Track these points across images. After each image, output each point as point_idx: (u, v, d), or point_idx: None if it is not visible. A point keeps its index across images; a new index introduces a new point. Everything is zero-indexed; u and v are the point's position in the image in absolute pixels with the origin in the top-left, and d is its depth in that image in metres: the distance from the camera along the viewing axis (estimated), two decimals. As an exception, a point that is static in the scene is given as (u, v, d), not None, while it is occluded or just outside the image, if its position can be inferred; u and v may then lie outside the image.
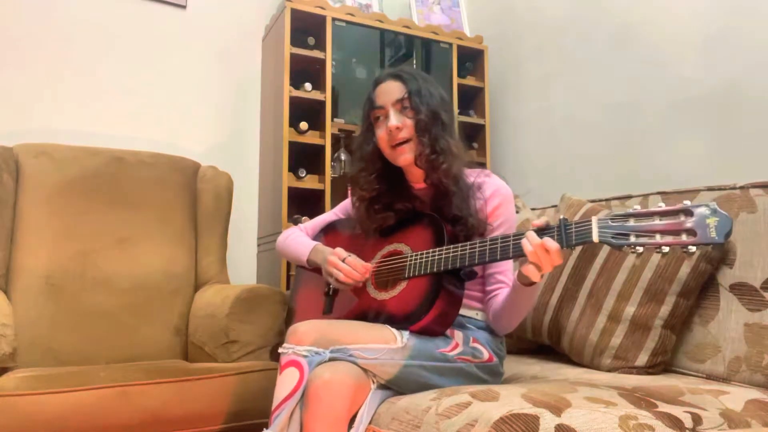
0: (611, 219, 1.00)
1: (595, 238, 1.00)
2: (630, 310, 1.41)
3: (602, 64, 2.21)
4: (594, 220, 1.01)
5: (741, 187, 1.39)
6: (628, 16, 2.11)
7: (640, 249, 0.96)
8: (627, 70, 2.11)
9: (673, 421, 0.93)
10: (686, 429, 0.93)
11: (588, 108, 2.26)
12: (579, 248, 1.60)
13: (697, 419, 0.96)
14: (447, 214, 1.29)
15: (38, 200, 1.85)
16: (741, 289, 1.33)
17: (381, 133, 1.33)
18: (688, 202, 0.94)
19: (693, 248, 0.91)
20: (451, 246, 1.20)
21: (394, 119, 1.31)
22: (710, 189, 1.45)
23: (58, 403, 1.33)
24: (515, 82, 2.65)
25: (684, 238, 0.92)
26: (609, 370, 1.41)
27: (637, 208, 0.99)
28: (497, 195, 1.33)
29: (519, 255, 1.10)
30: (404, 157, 1.32)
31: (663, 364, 1.39)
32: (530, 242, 1.07)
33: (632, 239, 0.96)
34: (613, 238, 0.98)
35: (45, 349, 1.73)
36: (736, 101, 1.76)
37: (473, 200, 1.31)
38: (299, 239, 1.52)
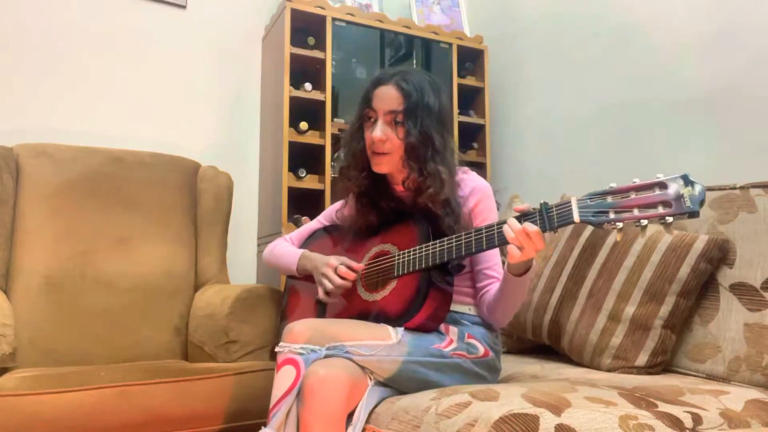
0: (590, 198, 1.01)
1: (576, 218, 1.02)
2: (630, 310, 1.41)
3: (602, 64, 2.21)
4: (573, 200, 1.02)
5: (741, 187, 1.39)
6: (628, 16, 2.11)
7: (620, 225, 0.98)
8: (627, 70, 2.11)
9: (673, 421, 0.93)
10: (686, 429, 0.93)
11: (588, 108, 2.26)
12: (579, 248, 1.60)
13: (697, 419, 0.96)
14: (436, 231, 1.27)
15: (38, 200, 1.85)
16: (741, 289, 1.33)
17: (367, 136, 1.33)
18: (661, 176, 0.95)
19: (670, 219, 0.93)
20: (437, 241, 1.21)
21: (379, 130, 1.29)
22: (710, 189, 1.45)
23: (58, 403, 1.33)
24: (515, 82, 2.65)
25: (660, 210, 0.93)
26: (609, 370, 1.41)
27: (614, 185, 1.00)
28: (476, 192, 1.34)
29: (504, 242, 1.11)
30: (379, 167, 1.33)
31: (663, 364, 1.39)
32: (511, 228, 1.08)
33: (612, 216, 0.98)
34: (593, 216, 1.00)
35: (45, 349, 1.73)
36: (736, 101, 1.76)
37: (464, 214, 1.30)
38: (286, 249, 1.53)
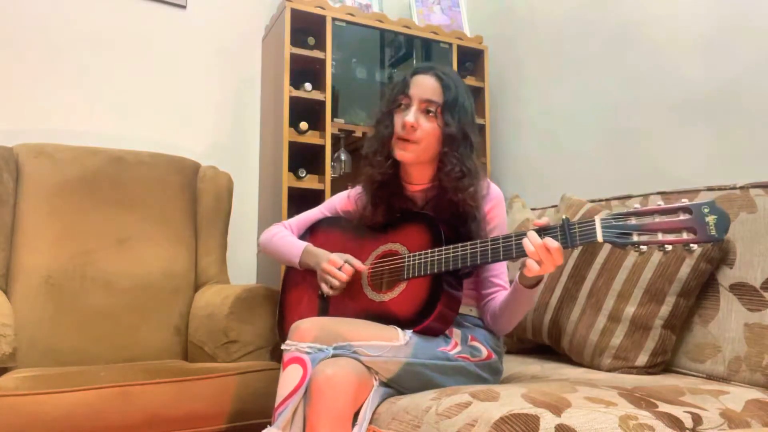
0: (614, 219, 1.00)
1: (600, 237, 1.01)
2: (630, 310, 1.41)
3: (602, 64, 2.21)
4: (597, 219, 1.02)
5: (741, 187, 1.39)
6: (628, 16, 2.11)
7: (644, 248, 0.97)
8: (627, 70, 2.11)
9: (673, 421, 0.93)
10: (686, 429, 0.93)
11: (588, 108, 2.26)
12: (579, 248, 1.60)
13: (697, 419, 0.96)
14: (463, 235, 1.27)
15: (38, 200, 1.85)
16: (741, 289, 1.33)
17: (397, 120, 1.32)
18: (686, 201, 0.95)
19: (694, 246, 0.92)
20: (451, 246, 1.20)
21: (412, 115, 1.28)
22: (710, 189, 1.45)
23: (58, 403, 1.33)
24: (515, 82, 2.65)
25: (685, 236, 0.93)
26: (609, 370, 1.41)
27: (638, 206, 0.99)
28: (491, 199, 1.33)
29: (521, 255, 1.10)
30: (401, 154, 1.31)
31: (663, 364, 1.39)
32: (532, 242, 1.07)
33: (635, 238, 0.97)
34: (617, 237, 0.99)
35: (45, 349, 1.73)
36: (736, 101, 1.76)
37: (485, 226, 1.30)
38: (287, 239, 1.49)
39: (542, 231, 1.08)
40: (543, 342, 1.65)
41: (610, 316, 1.44)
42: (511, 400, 0.96)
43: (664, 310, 1.37)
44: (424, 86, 1.30)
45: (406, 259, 1.26)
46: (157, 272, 1.93)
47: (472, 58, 2.71)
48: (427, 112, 1.29)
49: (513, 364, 1.51)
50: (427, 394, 1.10)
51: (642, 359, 1.38)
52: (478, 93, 2.68)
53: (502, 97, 2.70)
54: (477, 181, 1.28)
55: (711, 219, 0.91)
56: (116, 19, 2.34)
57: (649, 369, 1.38)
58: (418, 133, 1.28)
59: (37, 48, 2.20)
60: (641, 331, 1.39)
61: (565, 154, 2.36)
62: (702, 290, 1.39)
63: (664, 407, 0.97)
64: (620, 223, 0.99)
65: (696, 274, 1.36)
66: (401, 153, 1.31)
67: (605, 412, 0.91)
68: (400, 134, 1.30)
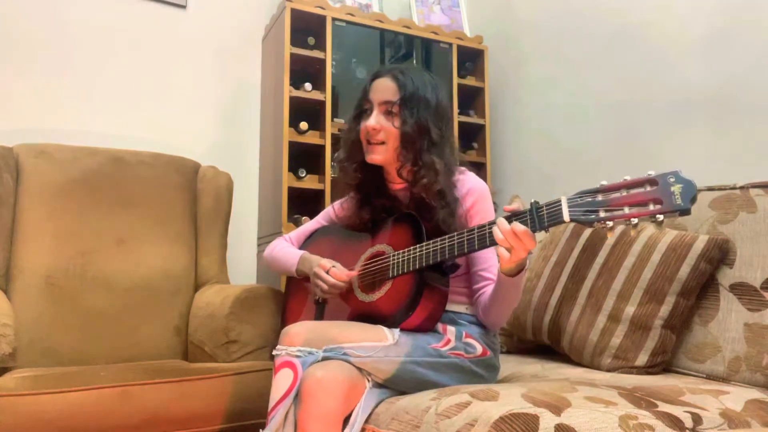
0: (580, 197, 1.00)
1: (566, 217, 1.00)
2: (630, 310, 1.41)
3: (602, 64, 2.21)
4: (563, 199, 1.01)
5: (741, 187, 1.39)
6: (628, 16, 2.11)
7: (610, 223, 0.96)
8: (627, 70, 2.11)
9: (673, 421, 0.93)
10: (686, 429, 0.93)
11: (588, 108, 2.26)
12: (579, 248, 1.60)
13: (697, 419, 0.96)
14: (433, 225, 1.28)
15: (38, 200, 1.85)
16: (741, 289, 1.33)
17: (362, 126, 1.35)
18: (652, 172, 0.94)
19: (660, 217, 0.91)
20: (431, 241, 1.21)
21: (373, 119, 1.32)
22: (710, 189, 1.45)
23: (58, 403, 1.33)
24: (515, 82, 2.65)
25: (651, 207, 0.92)
26: (609, 370, 1.41)
27: (604, 182, 0.99)
28: (473, 193, 1.34)
29: (495, 243, 1.11)
30: (372, 157, 1.34)
31: (663, 364, 1.39)
32: (500, 229, 1.08)
33: (602, 214, 0.96)
34: (583, 215, 0.98)
35: (45, 349, 1.73)
36: (736, 101, 1.76)
37: (460, 214, 1.31)
38: (286, 249, 1.54)
39: (512, 216, 1.08)
40: (543, 342, 1.65)
41: (610, 316, 1.44)
42: (510, 399, 0.96)
43: (664, 310, 1.37)
44: (382, 89, 1.33)
45: (391, 258, 1.28)
46: (157, 272, 1.93)
47: (472, 58, 2.71)
48: (388, 113, 1.32)
49: (513, 364, 1.51)
50: (427, 394, 1.10)
51: (642, 359, 1.38)
52: (478, 93, 2.68)
53: (502, 97, 2.70)
54: (434, 175, 1.28)
55: (677, 188, 0.89)
56: (116, 19, 2.34)
57: (649, 369, 1.38)
58: (381, 135, 1.32)
59: (37, 48, 2.20)
60: (641, 331, 1.39)
61: (565, 154, 2.36)
62: (702, 290, 1.39)
63: (664, 407, 0.97)
64: (586, 200, 0.99)
65: (696, 274, 1.36)
66: (370, 156, 1.35)
67: (605, 411, 0.91)
68: (366, 138, 1.34)
